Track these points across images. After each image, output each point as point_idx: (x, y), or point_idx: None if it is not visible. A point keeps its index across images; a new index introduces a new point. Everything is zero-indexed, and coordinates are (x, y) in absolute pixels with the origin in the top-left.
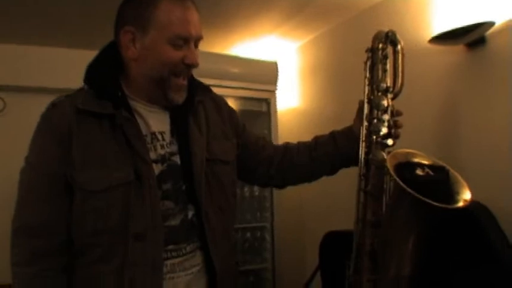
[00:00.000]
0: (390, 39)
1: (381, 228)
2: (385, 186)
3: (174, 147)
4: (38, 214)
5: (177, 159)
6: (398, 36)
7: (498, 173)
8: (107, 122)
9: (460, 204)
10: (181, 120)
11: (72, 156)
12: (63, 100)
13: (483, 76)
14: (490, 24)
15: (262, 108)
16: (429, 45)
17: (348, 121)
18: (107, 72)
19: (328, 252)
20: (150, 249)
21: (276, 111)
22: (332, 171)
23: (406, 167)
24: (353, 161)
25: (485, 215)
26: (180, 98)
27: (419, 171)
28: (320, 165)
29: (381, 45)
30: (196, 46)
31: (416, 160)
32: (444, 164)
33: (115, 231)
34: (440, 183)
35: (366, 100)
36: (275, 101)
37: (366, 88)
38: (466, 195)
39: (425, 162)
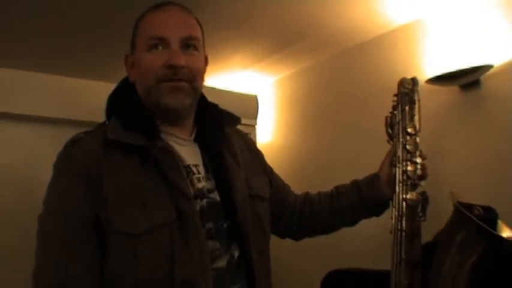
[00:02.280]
0: (416, 85)
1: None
2: (416, 226)
3: (211, 183)
4: (69, 268)
5: (215, 195)
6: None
7: None
8: (136, 156)
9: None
10: (213, 152)
11: (104, 197)
12: (84, 136)
13: (477, 117)
14: (488, 67)
15: None
16: (423, 85)
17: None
18: (136, 102)
19: None
20: None
21: None
22: (353, 222)
23: (463, 206)
24: (375, 211)
25: None
26: (174, 100)
27: (475, 211)
28: (342, 217)
29: (409, 91)
30: (188, 47)
31: (468, 202)
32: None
33: (160, 280)
34: (490, 222)
35: (400, 144)
36: (255, 135)
37: (400, 133)
38: (509, 232)
39: (475, 203)
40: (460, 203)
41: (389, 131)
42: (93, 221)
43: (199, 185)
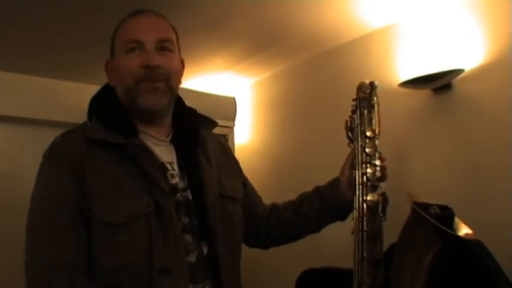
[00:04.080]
0: (374, 89)
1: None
2: (378, 226)
3: (184, 183)
4: (64, 249)
5: (188, 194)
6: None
7: None
8: (115, 153)
9: (463, 235)
10: (188, 152)
11: (87, 187)
12: (68, 134)
13: (448, 119)
14: (460, 71)
15: None
16: (396, 88)
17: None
18: (114, 104)
19: None
20: (177, 285)
21: (233, 148)
22: (319, 228)
23: (419, 206)
24: (339, 215)
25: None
26: (151, 100)
27: (431, 210)
28: (306, 222)
29: (367, 95)
30: (163, 49)
31: (424, 201)
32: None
33: (138, 267)
34: (446, 220)
35: (359, 147)
36: (233, 137)
37: (359, 136)
38: (467, 230)
39: (433, 203)
40: (416, 203)
41: (350, 134)
42: (81, 209)
43: (173, 181)
